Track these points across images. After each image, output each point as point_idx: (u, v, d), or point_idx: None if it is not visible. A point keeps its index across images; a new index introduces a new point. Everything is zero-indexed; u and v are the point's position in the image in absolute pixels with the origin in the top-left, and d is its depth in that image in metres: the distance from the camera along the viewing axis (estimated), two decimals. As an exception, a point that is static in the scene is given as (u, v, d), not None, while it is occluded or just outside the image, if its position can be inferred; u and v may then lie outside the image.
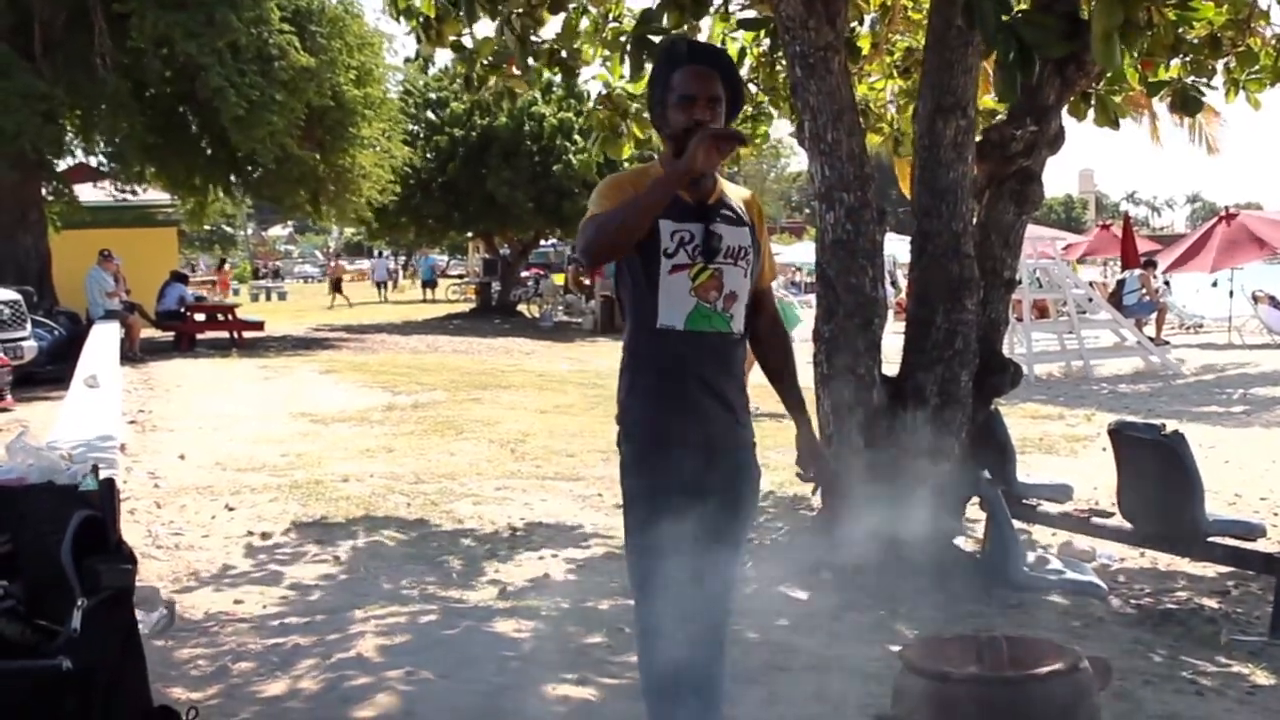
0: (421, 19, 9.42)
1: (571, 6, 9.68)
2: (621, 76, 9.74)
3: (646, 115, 10.28)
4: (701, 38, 9.82)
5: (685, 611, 4.02)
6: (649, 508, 4.03)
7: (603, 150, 10.52)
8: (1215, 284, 27.63)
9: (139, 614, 4.77)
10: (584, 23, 9.85)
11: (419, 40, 9.64)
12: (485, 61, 10.01)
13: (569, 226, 35.87)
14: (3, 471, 4.37)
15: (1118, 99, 9.23)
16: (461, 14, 9.03)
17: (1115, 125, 9.15)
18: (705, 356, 4.04)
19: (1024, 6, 7.27)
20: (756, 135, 11.17)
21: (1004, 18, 5.83)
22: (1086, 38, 6.98)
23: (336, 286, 51.12)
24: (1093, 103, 8.91)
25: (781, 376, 4.39)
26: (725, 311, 4.05)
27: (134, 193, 29.65)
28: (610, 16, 9.83)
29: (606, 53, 9.90)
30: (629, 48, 9.02)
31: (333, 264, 61.69)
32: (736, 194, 4.24)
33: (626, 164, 28.90)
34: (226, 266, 56.15)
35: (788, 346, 4.42)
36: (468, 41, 9.87)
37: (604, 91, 10.39)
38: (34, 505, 4.05)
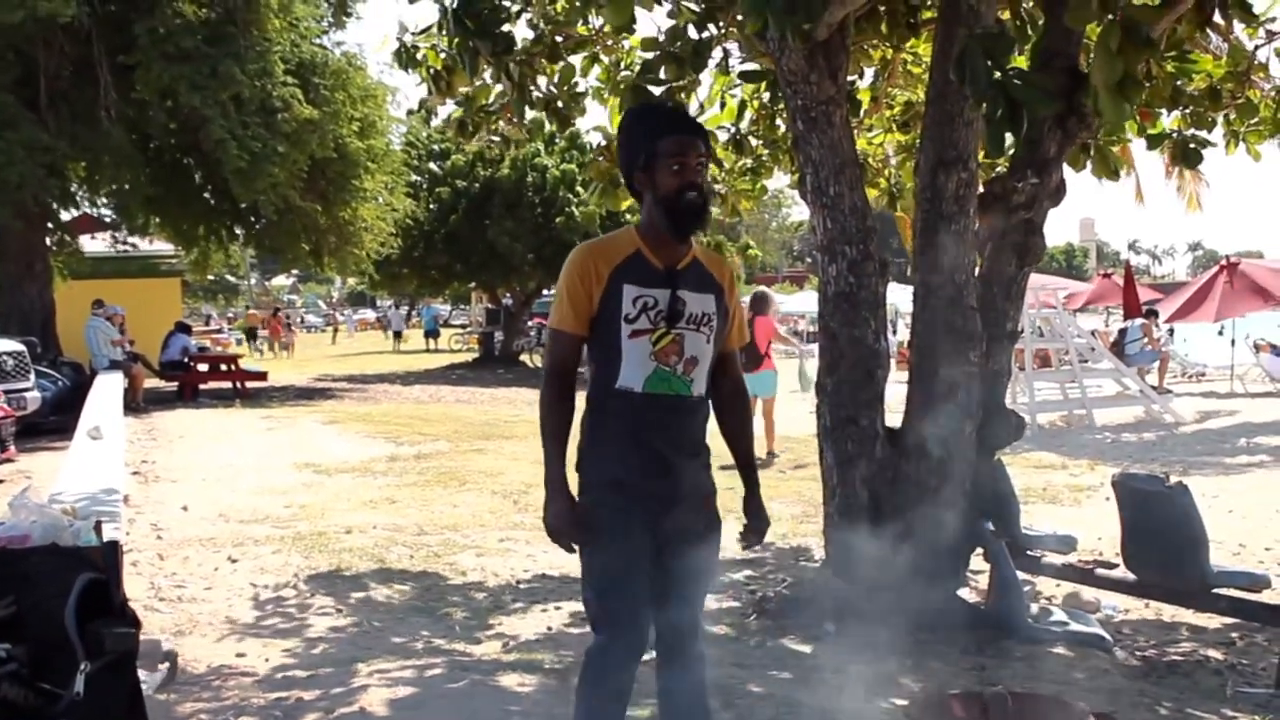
0: (430, 71, 9.46)
1: (581, 56, 9.73)
2: (621, 122, 9.74)
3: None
4: (701, 92, 9.89)
5: (636, 652, 4.25)
6: (604, 556, 4.24)
7: (602, 201, 10.55)
8: (1221, 332, 27.59)
9: (142, 672, 4.76)
10: (595, 70, 9.89)
11: (429, 92, 9.68)
12: (482, 108, 10.05)
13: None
14: (6, 528, 4.37)
15: (1116, 149, 9.27)
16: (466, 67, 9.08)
17: (1114, 176, 9.20)
18: (662, 417, 4.22)
19: (1020, 62, 7.31)
20: (755, 188, 11.21)
21: (996, 75, 5.86)
22: (1086, 91, 7.06)
23: (250, 335, 51.49)
24: (1091, 154, 8.96)
25: (737, 439, 4.60)
26: (685, 375, 4.25)
27: (138, 243, 29.76)
28: (621, 65, 9.87)
29: (617, 101, 9.91)
30: (627, 97, 9.07)
31: (251, 310, 61.65)
32: (709, 259, 4.44)
33: (627, 216, 29.04)
34: (279, 314, 56.99)
35: (747, 412, 4.69)
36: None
37: (604, 143, 10.41)
38: (38, 567, 4.05)
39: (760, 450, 16.93)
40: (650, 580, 4.26)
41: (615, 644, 4.22)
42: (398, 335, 59.07)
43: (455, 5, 8.38)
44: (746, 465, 4.57)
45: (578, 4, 9.03)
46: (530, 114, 9.99)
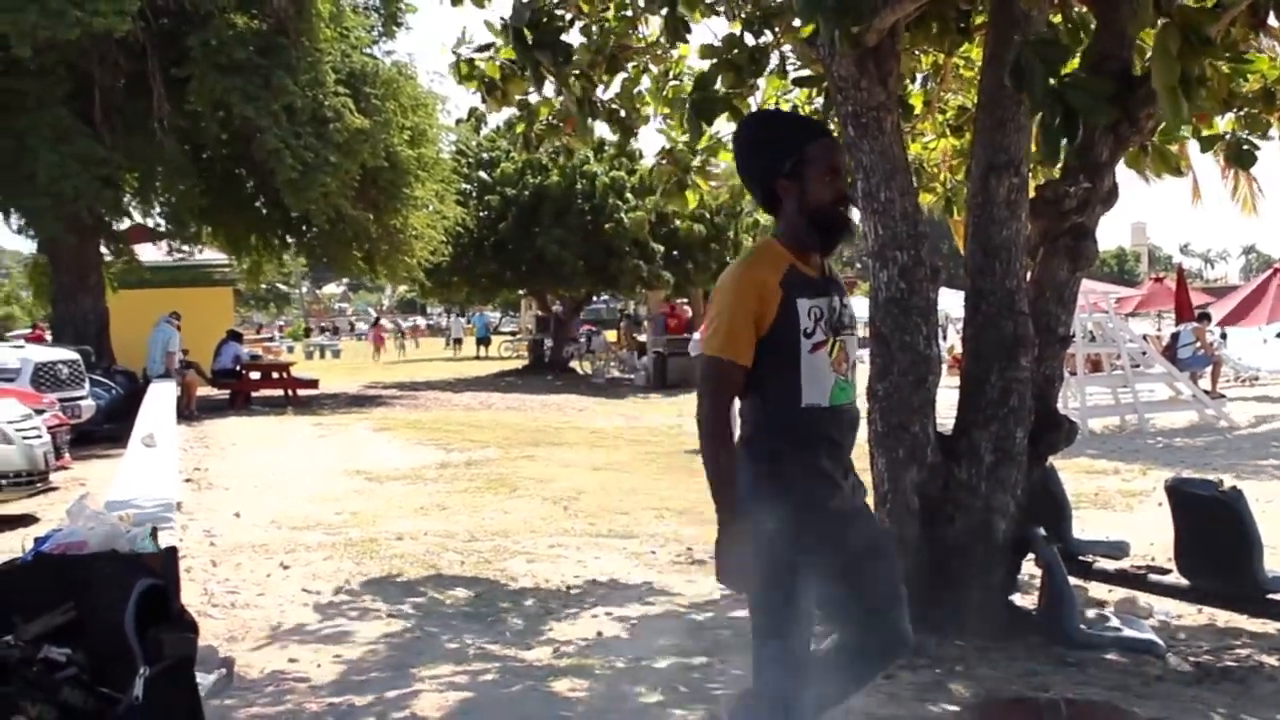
0: (486, 81, 9.51)
1: (631, 65, 9.76)
2: (684, 131, 9.79)
3: (710, 169, 10.41)
4: (756, 98, 9.89)
5: (803, 668, 4.12)
6: (788, 569, 4.03)
7: (667, 203, 10.66)
8: (1278, 335, 27.29)
9: (199, 675, 4.80)
10: (645, 81, 9.92)
11: (484, 101, 9.74)
12: (545, 121, 10.13)
13: (620, 285, 36.08)
14: (65, 535, 4.42)
15: (1174, 148, 9.20)
16: (527, 74, 9.13)
17: (1177, 172, 9.11)
18: (844, 428, 4.16)
19: (1073, 66, 7.27)
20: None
21: (1051, 81, 5.86)
22: (1138, 95, 7.02)
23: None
24: (1149, 152, 8.89)
25: None
26: (851, 380, 4.19)
27: (191, 253, 29.98)
28: (670, 75, 9.90)
29: (666, 110, 9.95)
30: (687, 112, 9.07)
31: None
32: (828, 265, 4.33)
33: (685, 220, 28.93)
34: (384, 321, 58.48)
35: None
36: (533, 99, 9.96)
37: (667, 147, 10.44)
38: (97, 573, 4.09)
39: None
40: (848, 599, 4.21)
41: (782, 659, 4.10)
42: (457, 342, 61.26)
43: (514, 21, 8.43)
44: None
45: (628, 14, 9.08)
46: (591, 124, 10.07)
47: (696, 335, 21.31)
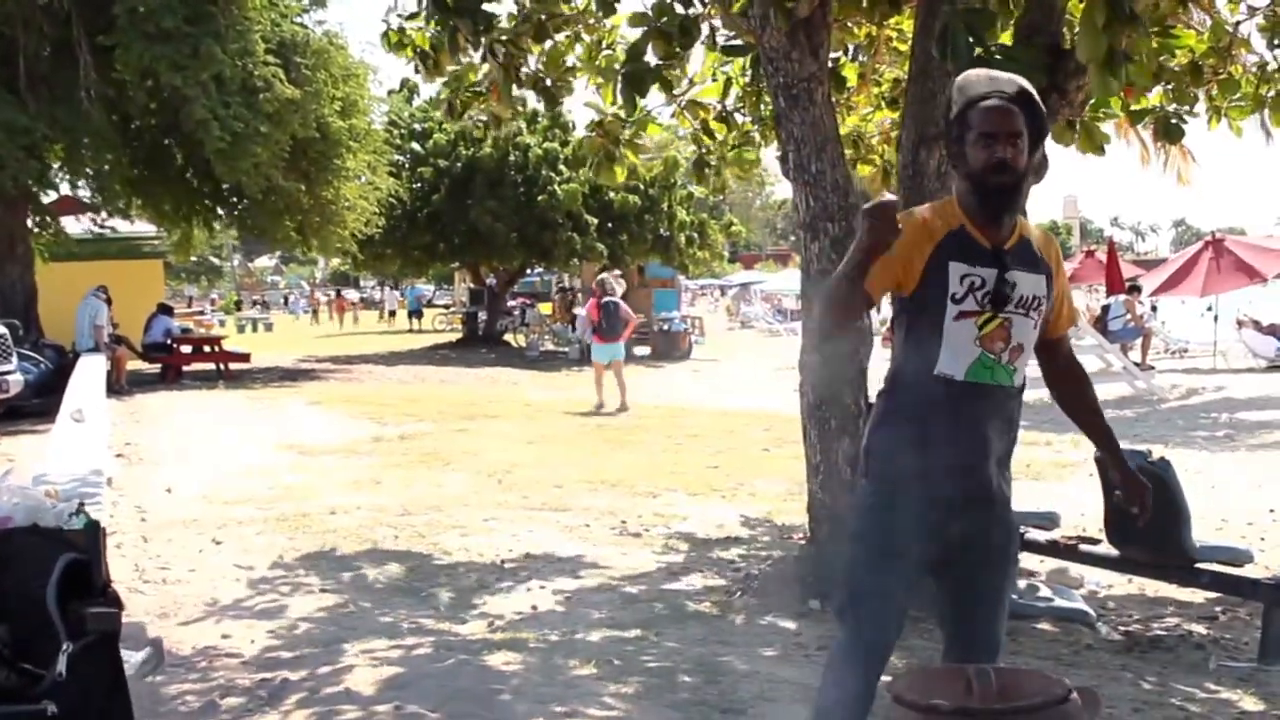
0: (418, 51, 9.44)
1: (563, 35, 9.70)
2: (614, 103, 9.75)
3: (639, 141, 10.36)
4: (692, 68, 9.88)
5: (877, 656, 4.05)
6: (877, 548, 4.00)
7: (598, 176, 10.59)
8: (1210, 308, 27.53)
9: (125, 652, 4.75)
10: (577, 49, 9.87)
11: (417, 71, 9.68)
12: (470, 88, 10.05)
13: (553, 257, 35.99)
14: (-12, 511, 4.35)
15: (1102, 125, 9.26)
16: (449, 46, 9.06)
17: (1100, 151, 9.17)
18: (980, 408, 3.94)
19: (1004, 39, 7.29)
20: (746, 163, 11.12)
21: (978, 51, 5.86)
22: (1067, 68, 7.06)
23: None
24: (1077, 129, 8.94)
25: (1084, 416, 4.41)
26: (1009, 364, 3.96)
27: (118, 226, 29.62)
28: (603, 44, 9.85)
29: (600, 80, 9.89)
30: (620, 83, 9.03)
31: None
32: (1039, 236, 4.13)
33: (619, 192, 28.58)
34: (342, 294, 59.75)
35: (1088, 389, 4.45)
36: (462, 62, 9.88)
37: (596, 119, 10.38)
38: (19, 548, 4.03)
39: (614, 404, 19.22)
40: (941, 593, 4.15)
41: (854, 645, 4.03)
42: (391, 315, 62.53)
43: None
44: (1102, 437, 4.39)
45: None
46: (517, 93, 9.99)
47: (581, 312, 21.42)
